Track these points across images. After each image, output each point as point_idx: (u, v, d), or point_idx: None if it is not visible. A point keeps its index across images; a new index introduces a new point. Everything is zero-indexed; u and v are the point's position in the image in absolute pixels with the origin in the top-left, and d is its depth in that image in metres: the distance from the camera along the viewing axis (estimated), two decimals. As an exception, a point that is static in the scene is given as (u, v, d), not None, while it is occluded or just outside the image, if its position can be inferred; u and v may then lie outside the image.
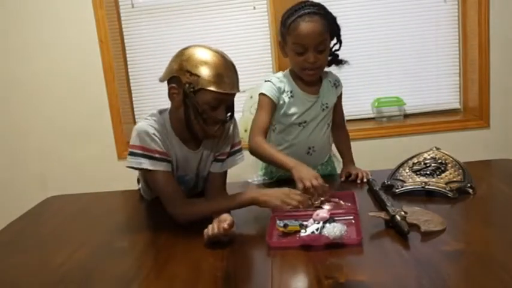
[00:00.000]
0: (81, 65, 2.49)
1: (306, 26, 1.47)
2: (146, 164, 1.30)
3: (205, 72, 1.25)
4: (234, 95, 1.32)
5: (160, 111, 1.40)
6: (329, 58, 1.59)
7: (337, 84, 1.67)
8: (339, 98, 1.69)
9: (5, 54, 2.50)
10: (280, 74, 1.64)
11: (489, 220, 1.24)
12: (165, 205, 1.32)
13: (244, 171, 1.67)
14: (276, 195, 1.28)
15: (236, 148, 1.48)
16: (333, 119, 1.69)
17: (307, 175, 1.34)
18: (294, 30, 1.49)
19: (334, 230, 1.10)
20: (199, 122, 1.29)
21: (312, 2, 1.54)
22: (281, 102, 1.59)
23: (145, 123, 1.33)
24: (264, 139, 1.54)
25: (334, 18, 1.54)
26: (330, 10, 1.54)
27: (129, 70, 2.64)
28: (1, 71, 2.52)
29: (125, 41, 2.60)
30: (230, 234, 1.16)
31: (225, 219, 1.16)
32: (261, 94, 1.58)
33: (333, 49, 1.59)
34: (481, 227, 1.16)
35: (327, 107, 1.63)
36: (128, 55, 2.62)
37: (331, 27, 1.52)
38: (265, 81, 1.61)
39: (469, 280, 0.93)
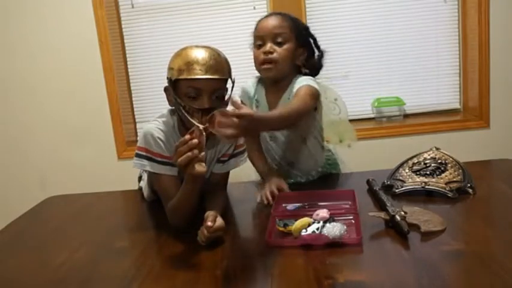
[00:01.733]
0: (81, 65, 2.50)
1: (266, 19, 1.52)
2: (148, 166, 1.31)
3: (176, 63, 1.26)
4: (212, 81, 1.25)
5: (173, 112, 1.39)
6: (303, 64, 1.55)
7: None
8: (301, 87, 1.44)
9: (5, 54, 2.50)
10: (254, 79, 1.63)
11: (489, 220, 1.24)
12: (165, 208, 1.32)
13: (246, 172, 1.66)
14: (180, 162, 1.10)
15: (239, 150, 1.48)
16: None
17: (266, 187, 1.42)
18: (256, 27, 1.53)
19: (334, 229, 1.10)
20: (185, 116, 1.26)
21: None
22: (253, 107, 1.58)
23: (154, 126, 1.33)
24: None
25: (305, 27, 1.56)
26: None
27: (129, 70, 2.64)
28: (1, 71, 2.52)
29: (125, 41, 2.60)
30: (223, 229, 1.16)
31: (208, 216, 1.15)
32: None
33: (314, 58, 1.56)
34: (481, 227, 1.16)
35: None
36: (127, 55, 2.62)
37: (296, 28, 1.50)
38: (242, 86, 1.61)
39: (469, 280, 0.93)
